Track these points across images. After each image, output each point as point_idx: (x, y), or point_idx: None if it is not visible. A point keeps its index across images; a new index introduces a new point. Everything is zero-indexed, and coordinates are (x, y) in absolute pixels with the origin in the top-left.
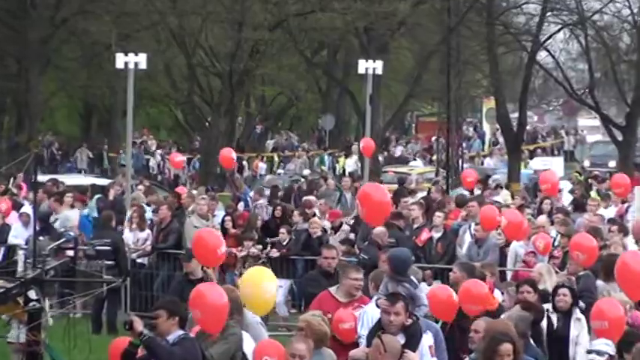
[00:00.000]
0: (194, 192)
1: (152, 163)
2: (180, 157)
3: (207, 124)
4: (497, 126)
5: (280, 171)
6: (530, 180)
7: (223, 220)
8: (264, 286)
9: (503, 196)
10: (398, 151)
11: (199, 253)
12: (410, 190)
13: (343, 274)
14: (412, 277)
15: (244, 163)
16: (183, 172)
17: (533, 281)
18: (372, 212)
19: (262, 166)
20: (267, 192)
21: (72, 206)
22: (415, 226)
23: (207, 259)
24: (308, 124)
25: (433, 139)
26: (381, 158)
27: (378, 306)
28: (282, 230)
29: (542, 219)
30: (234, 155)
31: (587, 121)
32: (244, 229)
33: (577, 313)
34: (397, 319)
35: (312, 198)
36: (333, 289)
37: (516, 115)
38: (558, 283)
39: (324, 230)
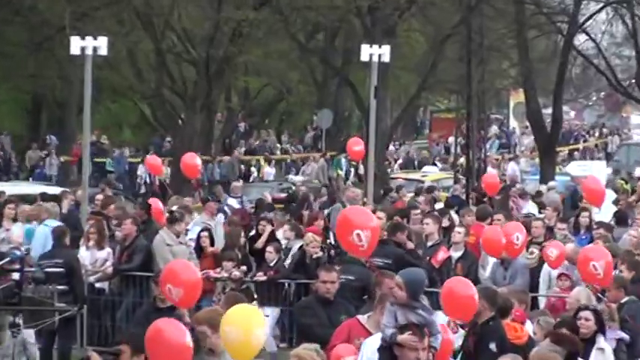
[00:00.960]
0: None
1: (141, 171)
2: (157, 160)
3: (179, 121)
4: (527, 123)
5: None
6: (567, 188)
7: (199, 237)
8: (254, 333)
9: (530, 207)
10: (400, 153)
11: (170, 291)
12: (426, 188)
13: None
14: (424, 300)
15: (252, 169)
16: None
17: (571, 322)
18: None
19: (270, 172)
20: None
21: (14, 220)
22: (430, 243)
23: (180, 300)
24: (301, 122)
25: (450, 139)
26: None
27: (389, 339)
28: (270, 249)
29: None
30: (198, 162)
31: (636, 118)
32: (224, 247)
33: (601, 342)
34: (423, 355)
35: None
36: (363, 318)
37: (550, 110)
38: (581, 306)
39: (323, 249)
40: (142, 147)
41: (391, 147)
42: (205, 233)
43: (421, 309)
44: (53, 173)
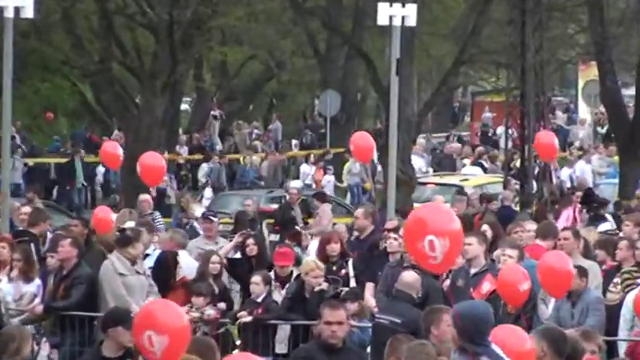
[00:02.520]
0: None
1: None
2: (115, 148)
3: (133, 106)
4: (602, 108)
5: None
6: None
7: (160, 264)
8: None
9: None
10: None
11: (150, 341)
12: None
13: None
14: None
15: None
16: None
17: None
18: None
19: (307, 171)
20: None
21: None
22: (473, 270)
23: (164, 354)
24: (297, 108)
25: (499, 129)
26: (421, 161)
27: None
28: (256, 279)
29: None
30: (162, 163)
31: None
32: (195, 277)
33: None
34: None
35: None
36: None
37: (633, 90)
38: None
39: (328, 280)
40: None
41: (420, 139)
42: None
43: (488, 355)
44: (17, 181)
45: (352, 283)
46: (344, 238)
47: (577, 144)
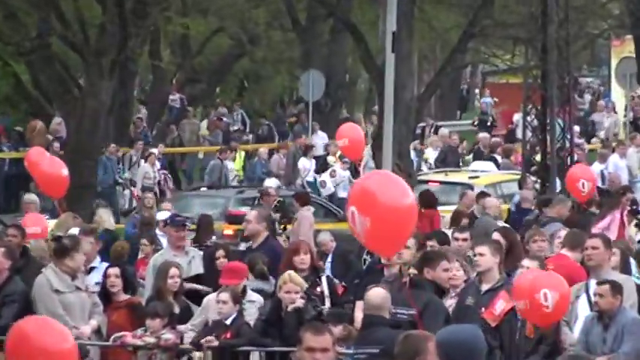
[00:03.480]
0: None
1: (146, 169)
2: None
3: (76, 89)
4: (639, 91)
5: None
6: None
7: (105, 279)
8: None
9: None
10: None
11: None
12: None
13: None
14: None
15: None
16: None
17: None
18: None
19: (306, 166)
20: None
21: None
22: (485, 287)
23: None
24: (274, 91)
25: (515, 116)
26: (430, 153)
27: None
28: (224, 296)
29: None
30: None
31: None
32: (150, 295)
33: None
34: None
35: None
36: None
37: None
38: None
39: (309, 297)
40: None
41: (443, 130)
42: (114, 271)
43: None
44: None
45: (327, 303)
46: (329, 249)
47: (601, 134)
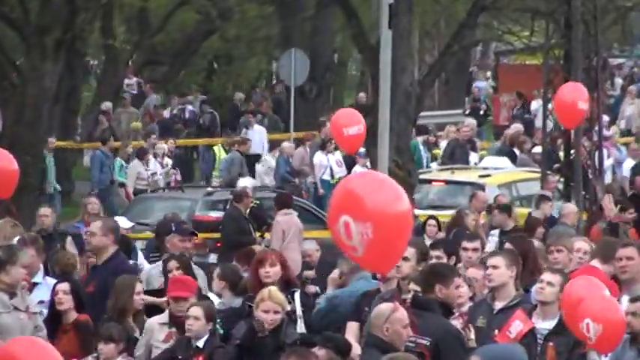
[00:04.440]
0: None
1: (138, 168)
2: None
3: (15, 73)
4: None
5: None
6: None
7: (55, 296)
8: None
9: None
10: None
11: None
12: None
13: None
14: None
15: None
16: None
17: None
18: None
19: (323, 162)
20: None
21: None
22: (499, 305)
23: None
24: (250, 75)
25: (534, 104)
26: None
27: None
28: (196, 311)
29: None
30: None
31: None
32: (107, 315)
33: None
34: None
35: None
36: None
37: None
38: None
39: (290, 316)
40: None
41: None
42: (64, 287)
43: None
44: None
45: (300, 325)
46: (313, 259)
47: (622, 124)
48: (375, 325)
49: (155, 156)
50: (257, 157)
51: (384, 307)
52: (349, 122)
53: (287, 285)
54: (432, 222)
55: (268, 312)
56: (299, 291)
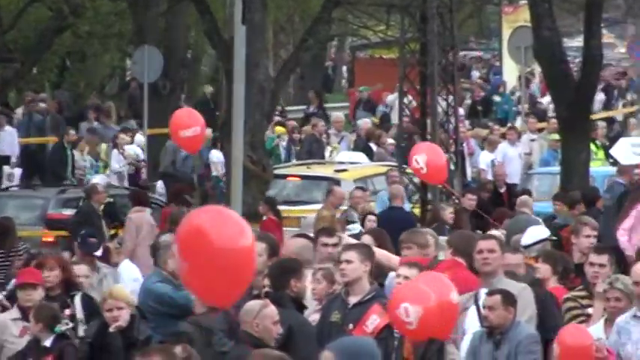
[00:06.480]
0: None
1: None
2: None
3: None
4: (537, 66)
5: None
6: (610, 189)
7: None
8: None
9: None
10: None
11: None
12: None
13: None
14: None
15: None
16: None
17: None
18: None
19: None
20: None
21: None
22: (353, 301)
23: None
24: (101, 71)
25: (389, 97)
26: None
27: None
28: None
29: None
30: None
31: None
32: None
33: None
34: None
35: None
36: None
37: (579, 42)
38: None
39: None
40: None
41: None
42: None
43: None
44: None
45: (81, 328)
46: None
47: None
48: (245, 322)
49: None
50: (6, 160)
51: (254, 303)
52: (186, 124)
53: (67, 287)
54: (372, 217)
55: (112, 310)
56: (80, 294)
